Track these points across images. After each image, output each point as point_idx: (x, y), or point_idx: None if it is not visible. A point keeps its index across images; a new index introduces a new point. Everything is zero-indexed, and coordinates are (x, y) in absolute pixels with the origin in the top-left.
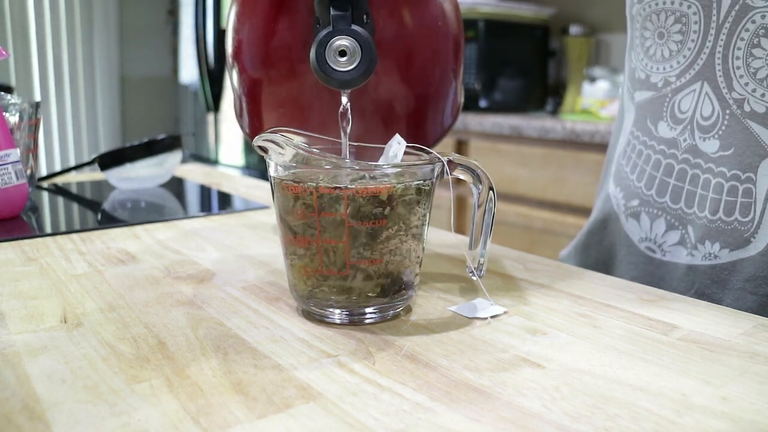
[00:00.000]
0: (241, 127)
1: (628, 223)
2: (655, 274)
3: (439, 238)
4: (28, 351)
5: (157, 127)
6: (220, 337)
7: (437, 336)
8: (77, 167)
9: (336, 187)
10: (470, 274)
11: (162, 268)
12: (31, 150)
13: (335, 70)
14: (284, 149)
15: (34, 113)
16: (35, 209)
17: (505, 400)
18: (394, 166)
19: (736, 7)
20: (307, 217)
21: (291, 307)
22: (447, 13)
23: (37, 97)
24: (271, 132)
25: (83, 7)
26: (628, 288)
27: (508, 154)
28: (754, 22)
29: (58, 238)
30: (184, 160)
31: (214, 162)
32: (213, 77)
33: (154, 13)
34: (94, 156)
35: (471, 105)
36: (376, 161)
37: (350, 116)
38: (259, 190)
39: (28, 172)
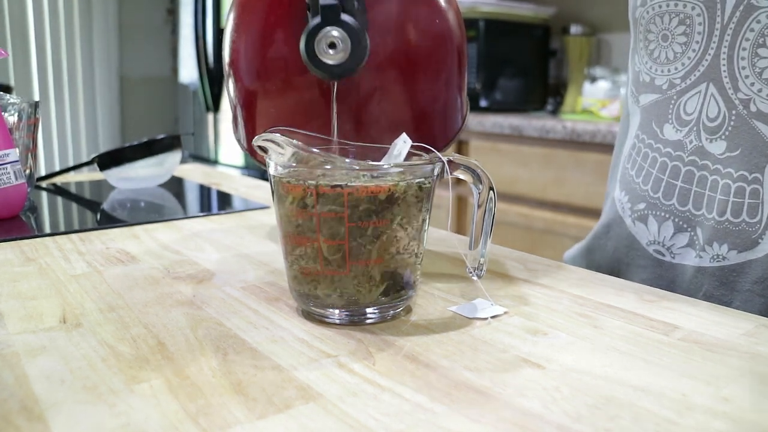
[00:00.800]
0: (238, 140)
1: (635, 227)
2: (664, 276)
3: (439, 238)
4: (27, 351)
5: (157, 127)
6: (219, 338)
7: (437, 336)
8: (76, 167)
9: (336, 187)
10: (470, 274)
11: (161, 269)
12: (30, 150)
13: (325, 62)
14: (284, 149)
15: (33, 113)
16: (34, 209)
17: (506, 400)
18: (394, 165)
19: (741, 8)
20: (307, 216)
21: (291, 307)
22: (452, 29)
23: (36, 97)
24: (271, 132)
25: (82, 6)
26: (628, 288)
27: (508, 154)
28: (759, 21)
29: (58, 238)
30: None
31: (213, 162)
32: (212, 77)
33: (154, 12)
34: (93, 156)
35: (471, 105)
36: (377, 161)
37: (335, 105)
38: (259, 190)
39: (27, 172)
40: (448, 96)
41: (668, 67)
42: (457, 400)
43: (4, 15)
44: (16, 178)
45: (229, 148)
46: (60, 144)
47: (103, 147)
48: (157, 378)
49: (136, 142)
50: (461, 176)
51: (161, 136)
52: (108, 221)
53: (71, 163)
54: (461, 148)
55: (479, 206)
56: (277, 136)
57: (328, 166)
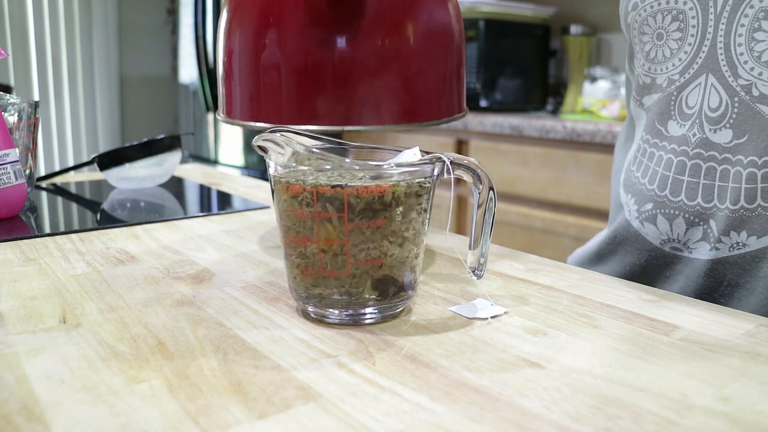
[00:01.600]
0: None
1: (644, 228)
2: (683, 272)
3: (439, 238)
4: (27, 351)
5: (157, 127)
6: (219, 338)
7: (437, 336)
8: (76, 167)
9: (336, 187)
10: (470, 274)
11: (161, 268)
12: (30, 150)
13: None
14: (284, 149)
15: (33, 113)
16: (34, 209)
17: (506, 400)
18: (395, 165)
19: None
20: (307, 216)
21: (291, 307)
22: (455, 34)
23: (36, 97)
24: (271, 132)
25: (82, 6)
26: (628, 288)
27: (508, 153)
28: (752, 6)
29: (57, 238)
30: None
31: (213, 162)
32: (212, 77)
33: (154, 12)
34: (93, 156)
35: (471, 105)
36: (378, 162)
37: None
38: (259, 190)
39: (27, 171)
40: (446, 68)
41: (666, 65)
42: (457, 400)
43: (5, 15)
44: (16, 178)
45: (229, 148)
46: (60, 144)
47: (103, 147)
48: (157, 378)
49: (136, 142)
50: (461, 176)
51: (161, 136)
52: (108, 221)
53: (71, 163)
54: (461, 148)
55: (479, 206)
56: (278, 137)
57: (328, 166)
